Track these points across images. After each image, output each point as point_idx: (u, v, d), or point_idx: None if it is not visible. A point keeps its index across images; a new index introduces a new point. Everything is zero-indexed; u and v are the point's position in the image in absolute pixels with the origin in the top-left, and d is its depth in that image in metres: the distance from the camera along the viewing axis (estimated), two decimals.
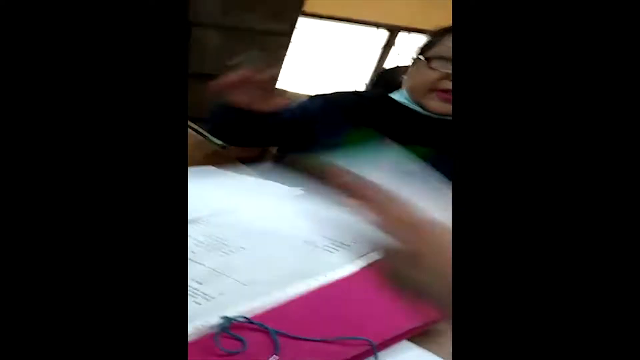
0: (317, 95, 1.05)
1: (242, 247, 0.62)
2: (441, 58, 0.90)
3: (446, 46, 0.91)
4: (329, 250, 0.62)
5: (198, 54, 2.06)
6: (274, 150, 1.20)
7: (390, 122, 0.94)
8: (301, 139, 0.99)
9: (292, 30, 2.24)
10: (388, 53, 2.98)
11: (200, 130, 1.08)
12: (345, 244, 0.64)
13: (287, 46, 2.28)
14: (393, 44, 2.93)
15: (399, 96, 0.97)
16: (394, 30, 2.87)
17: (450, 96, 0.88)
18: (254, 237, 0.65)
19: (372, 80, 3.00)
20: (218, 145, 1.03)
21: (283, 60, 2.31)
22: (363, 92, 1.05)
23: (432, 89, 0.91)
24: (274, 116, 0.98)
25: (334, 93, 1.05)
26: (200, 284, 0.53)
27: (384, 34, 2.89)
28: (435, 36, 0.96)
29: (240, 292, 0.52)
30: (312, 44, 2.73)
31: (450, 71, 0.88)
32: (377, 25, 2.81)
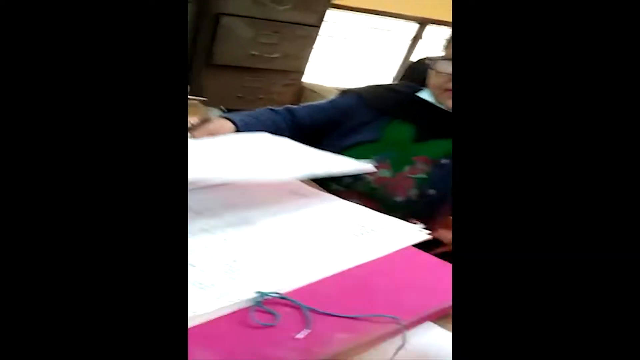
0: (348, 91, 1.07)
1: (273, 229, 0.64)
2: (445, 59, 0.94)
3: (450, 47, 0.95)
4: (359, 234, 0.64)
5: (227, 45, 2.09)
6: None
7: (421, 118, 0.97)
8: (336, 136, 1.01)
9: (320, 22, 2.25)
10: (416, 46, 2.97)
11: None
12: (373, 230, 0.66)
13: (315, 38, 2.29)
14: (421, 36, 2.92)
15: (425, 95, 1.00)
16: (423, 23, 2.86)
17: None
18: (284, 218, 0.67)
19: (399, 73, 3.00)
20: None
21: (310, 51, 2.32)
22: (395, 87, 1.07)
23: (446, 89, 0.94)
24: (309, 118, 1.01)
25: (366, 88, 1.06)
26: (235, 261, 0.55)
27: (413, 27, 2.88)
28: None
29: (273, 270, 0.54)
30: (340, 36, 2.74)
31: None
32: (407, 17, 2.80)
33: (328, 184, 0.86)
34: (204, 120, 0.83)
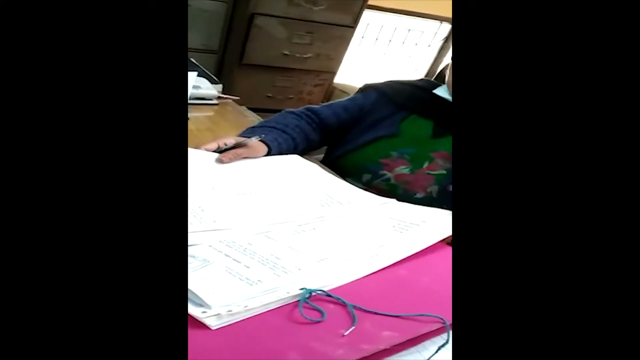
0: (367, 87, 1.09)
1: (314, 228, 0.65)
2: None
3: None
4: (399, 231, 0.65)
5: (260, 44, 2.11)
6: None
7: (438, 114, 0.97)
8: (356, 132, 1.02)
9: (356, 23, 2.25)
10: (448, 47, 2.95)
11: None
12: (414, 224, 0.66)
13: (350, 39, 2.30)
14: None
15: (442, 91, 1.00)
16: None
17: None
18: (324, 218, 0.68)
19: (430, 73, 2.98)
20: None
21: (345, 52, 2.33)
22: (413, 82, 1.07)
23: None
24: (335, 118, 1.03)
25: (386, 83, 1.08)
26: (279, 258, 0.56)
27: (445, 28, 2.87)
28: None
29: (315, 268, 0.55)
30: (372, 36, 2.74)
31: None
32: (439, 18, 2.78)
33: (347, 182, 0.87)
34: (238, 145, 0.83)
